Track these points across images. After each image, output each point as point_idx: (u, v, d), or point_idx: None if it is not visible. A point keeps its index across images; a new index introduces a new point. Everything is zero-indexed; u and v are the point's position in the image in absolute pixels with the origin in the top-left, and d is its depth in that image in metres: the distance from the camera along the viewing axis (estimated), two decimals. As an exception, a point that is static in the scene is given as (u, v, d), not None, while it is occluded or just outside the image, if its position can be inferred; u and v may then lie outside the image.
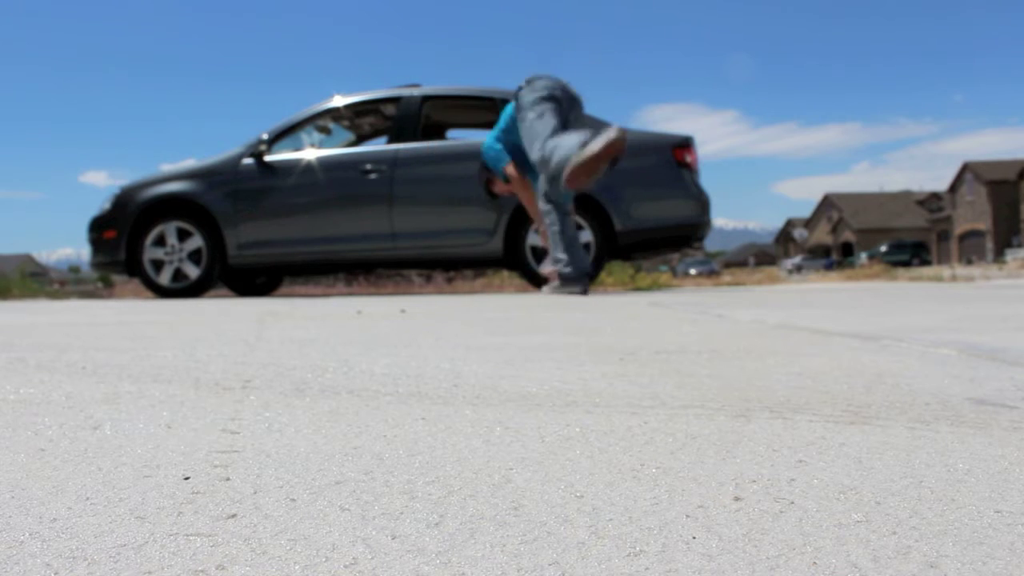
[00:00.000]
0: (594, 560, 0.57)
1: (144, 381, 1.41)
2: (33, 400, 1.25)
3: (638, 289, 7.28)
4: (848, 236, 63.61)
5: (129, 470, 0.83)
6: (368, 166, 5.75)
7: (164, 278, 5.86)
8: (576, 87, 5.09)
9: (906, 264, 38.76)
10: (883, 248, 50.05)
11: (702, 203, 5.71)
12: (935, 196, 59.46)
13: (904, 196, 66.82)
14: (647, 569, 0.55)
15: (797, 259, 52.32)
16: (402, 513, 0.68)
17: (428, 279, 11.21)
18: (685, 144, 5.69)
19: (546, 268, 5.00)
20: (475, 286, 9.89)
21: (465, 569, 0.56)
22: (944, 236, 56.18)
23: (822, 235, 68.75)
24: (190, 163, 6.17)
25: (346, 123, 6.56)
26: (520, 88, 4.95)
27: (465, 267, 6.32)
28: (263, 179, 5.84)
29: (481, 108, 6.40)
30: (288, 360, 1.67)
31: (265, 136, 5.89)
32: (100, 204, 6.10)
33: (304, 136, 6.25)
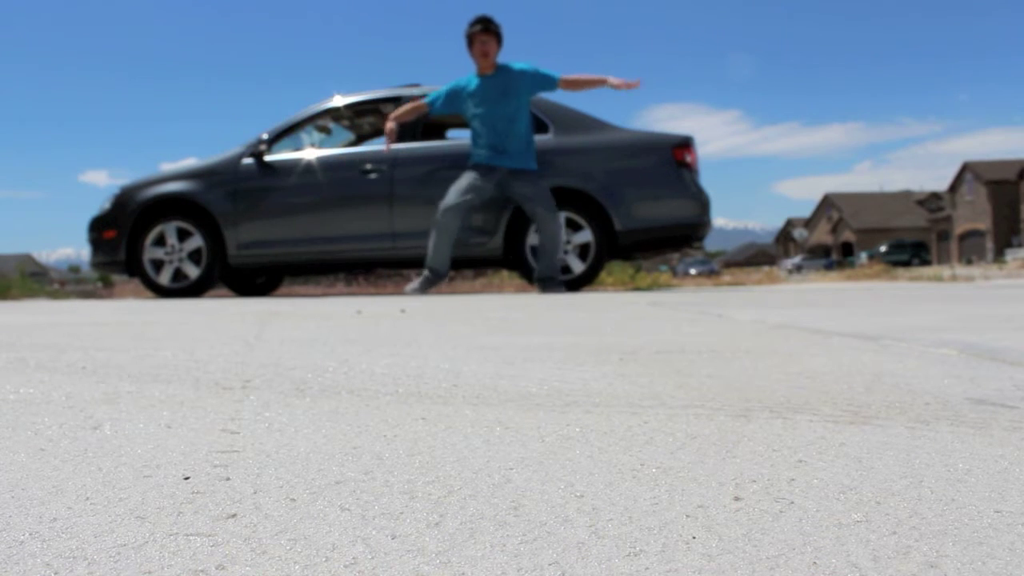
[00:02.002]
0: (594, 560, 0.57)
1: (144, 381, 1.41)
2: (33, 400, 1.25)
3: (638, 289, 7.28)
4: (848, 236, 63.61)
5: (129, 470, 0.83)
6: (368, 166, 5.75)
7: (164, 278, 5.86)
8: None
9: (906, 264, 38.74)
10: (883, 248, 50.04)
11: (702, 203, 5.71)
12: (935, 196, 59.44)
13: (904, 196, 66.81)
14: (647, 569, 0.55)
15: (797, 259, 52.29)
16: (402, 513, 0.68)
17: (428, 279, 11.19)
18: (685, 144, 5.69)
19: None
20: (475, 286, 9.89)
21: (465, 569, 0.56)
22: (944, 236, 56.18)
23: (822, 235, 68.75)
24: (190, 163, 6.17)
25: (346, 123, 6.56)
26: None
27: (465, 267, 6.32)
28: (263, 179, 5.84)
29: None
30: (288, 360, 1.67)
31: (265, 136, 5.89)
32: (100, 204, 6.10)
33: (304, 136, 6.24)
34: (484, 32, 5.27)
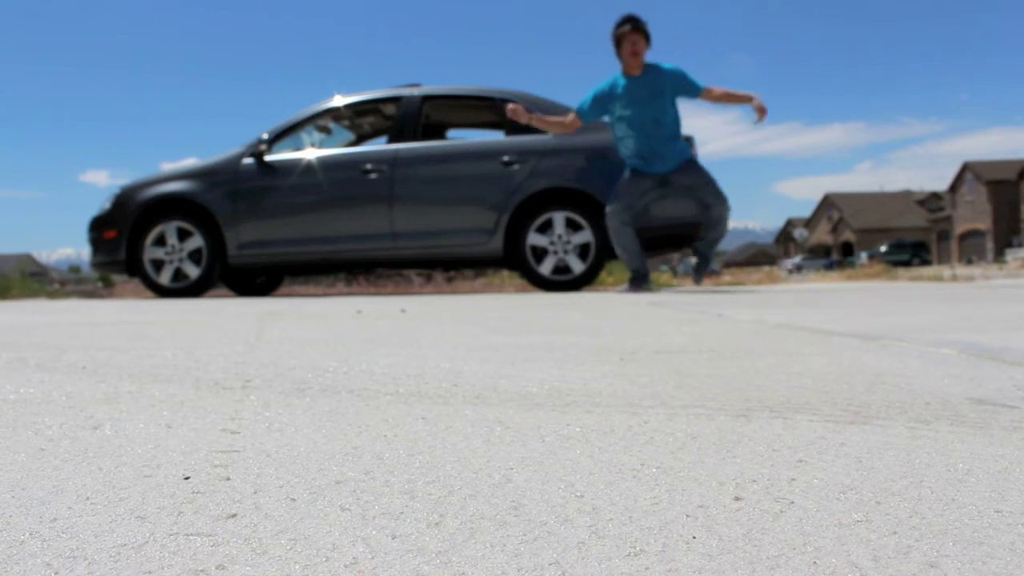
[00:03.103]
0: (594, 560, 0.57)
1: (144, 381, 1.41)
2: (33, 400, 1.25)
3: (638, 289, 7.26)
4: (848, 236, 63.59)
5: (129, 470, 0.83)
6: (368, 166, 5.75)
7: (164, 278, 5.86)
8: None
9: (906, 264, 38.72)
10: (883, 248, 50.01)
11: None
12: (935, 196, 59.45)
13: (904, 196, 66.81)
14: (647, 569, 0.55)
15: (797, 259, 52.24)
16: (402, 513, 0.68)
17: (428, 279, 11.20)
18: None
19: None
20: (475, 286, 9.89)
21: (465, 569, 0.56)
22: (944, 236, 56.18)
23: (822, 235, 68.72)
24: (190, 163, 6.17)
25: (346, 123, 6.56)
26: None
27: (465, 267, 6.32)
28: (263, 179, 5.83)
29: (481, 108, 6.39)
30: (288, 360, 1.67)
31: (265, 136, 5.89)
32: (100, 204, 6.10)
33: (304, 136, 6.24)
34: (634, 31, 5.13)
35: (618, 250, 5.30)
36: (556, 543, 0.60)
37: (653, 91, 5.18)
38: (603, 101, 5.27)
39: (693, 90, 5.22)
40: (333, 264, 6.01)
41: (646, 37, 5.19)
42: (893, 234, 58.51)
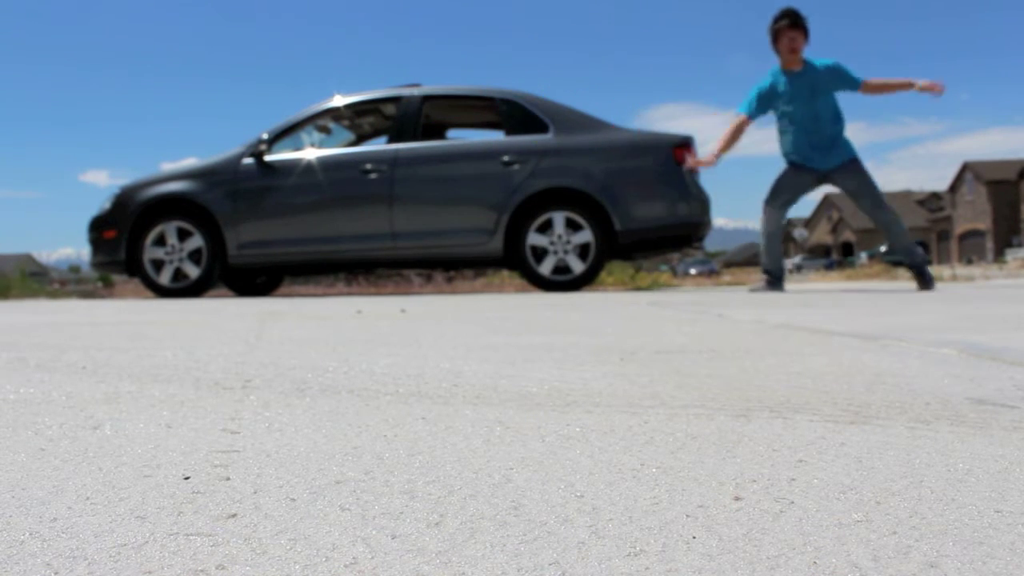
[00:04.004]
0: (594, 560, 0.57)
1: (144, 381, 1.41)
2: (33, 400, 1.25)
3: (638, 289, 7.28)
4: (848, 236, 63.58)
5: (129, 470, 0.83)
6: (368, 166, 5.75)
7: (164, 278, 5.86)
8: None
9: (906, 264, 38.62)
10: (883, 248, 49.91)
11: (702, 203, 5.71)
12: (935, 196, 59.46)
13: (904, 196, 66.80)
14: (647, 569, 0.55)
15: (797, 259, 52.21)
16: (402, 513, 0.68)
17: (428, 279, 11.21)
18: (685, 144, 5.68)
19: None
20: (475, 286, 9.89)
21: (465, 569, 0.56)
22: (944, 236, 56.17)
23: (822, 235, 68.73)
24: (190, 163, 6.17)
25: (346, 123, 6.55)
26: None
27: (465, 267, 6.32)
28: (263, 179, 5.83)
29: (481, 108, 6.39)
30: (288, 360, 1.67)
31: (265, 136, 5.89)
32: (100, 204, 6.10)
33: (304, 136, 6.24)
34: (792, 27, 5.08)
35: (765, 245, 5.30)
36: (556, 543, 0.60)
37: (813, 88, 5.13)
38: (767, 99, 5.23)
39: (852, 83, 5.14)
40: (333, 264, 6.01)
41: (805, 32, 5.13)
42: (893, 234, 58.38)
